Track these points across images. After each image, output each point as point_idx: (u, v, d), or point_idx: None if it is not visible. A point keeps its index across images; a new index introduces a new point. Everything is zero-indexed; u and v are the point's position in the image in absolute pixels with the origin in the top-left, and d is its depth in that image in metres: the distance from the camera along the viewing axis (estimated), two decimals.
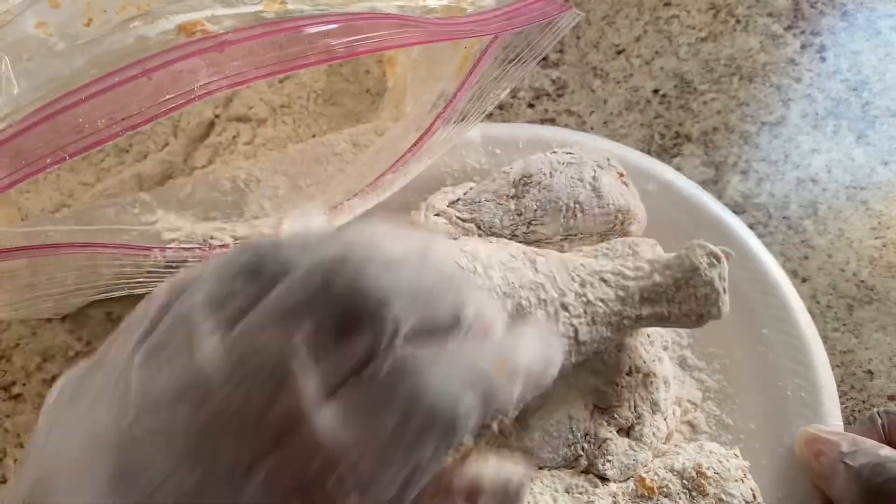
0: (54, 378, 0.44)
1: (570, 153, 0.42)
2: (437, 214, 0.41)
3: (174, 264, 0.32)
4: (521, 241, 0.40)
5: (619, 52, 0.56)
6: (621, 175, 0.42)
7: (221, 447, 0.19)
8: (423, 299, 0.20)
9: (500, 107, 0.53)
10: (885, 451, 0.34)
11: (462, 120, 0.39)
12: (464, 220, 0.41)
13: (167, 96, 0.26)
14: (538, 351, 0.23)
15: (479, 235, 0.40)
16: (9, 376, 0.44)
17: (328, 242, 0.21)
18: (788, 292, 0.42)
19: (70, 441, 0.20)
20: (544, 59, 0.55)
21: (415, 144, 0.37)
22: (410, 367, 0.20)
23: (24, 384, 0.44)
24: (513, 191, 0.41)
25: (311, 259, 0.20)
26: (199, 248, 0.33)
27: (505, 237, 0.40)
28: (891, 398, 0.43)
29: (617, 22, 0.57)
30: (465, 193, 0.42)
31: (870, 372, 0.44)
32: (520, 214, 0.40)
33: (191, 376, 0.19)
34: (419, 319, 0.20)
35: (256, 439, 0.19)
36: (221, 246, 0.34)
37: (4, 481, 0.42)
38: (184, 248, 0.33)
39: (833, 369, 0.40)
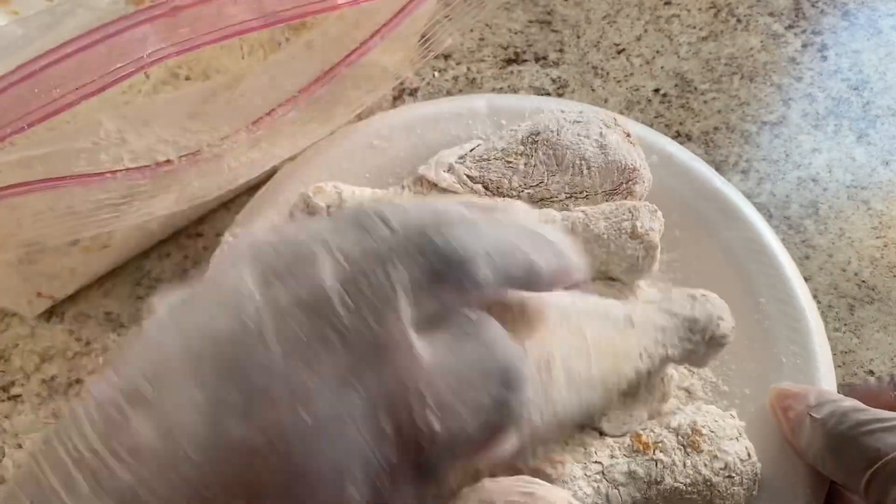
0: (53, 378, 0.44)
1: (579, 112, 0.43)
2: (447, 171, 0.42)
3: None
4: (527, 202, 0.41)
5: (619, 52, 0.56)
6: (627, 135, 0.42)
7: (332, 354, 0.21)
8: (499, 257, 0.24)
9: None
10: (848, 402, 0.34)
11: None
12: (472, 179, 0.41)
13: (118, 65, 0.27)
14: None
15: (486, 195, 0.41)
16: (7, 376, 0.44)
17: (421, 208, 0.25)
18: (785, 262, 0.42)
19: (179, 342, 0.22)
20: (544, 58, 0.55)
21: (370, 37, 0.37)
22: (485, 320, 0.24)
23: (22, 384, 0.44)
24: (521, 148, 0.41)
25: (409, 218, 0.24)
26: (147, 167, 0.34)
27: (511, 197, 0.41)
28: None
29: (617, 21, 0.57)
30: (471, 150, 0.43)
31: (871, 372, 0.44)
32: (527, 175, 0.41)
33: (312, 291, 0.22)
34: (497, 273, 0.24)
35: (362, 351, 0.21)
36: (166, 161, 0.35)
37: (3, 482, 0.42)
38: (133, 169, 0.33)
39: (834, 370, 0.40)
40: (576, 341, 0.33)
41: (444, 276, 0.23)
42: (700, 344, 0.36)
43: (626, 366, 0.34)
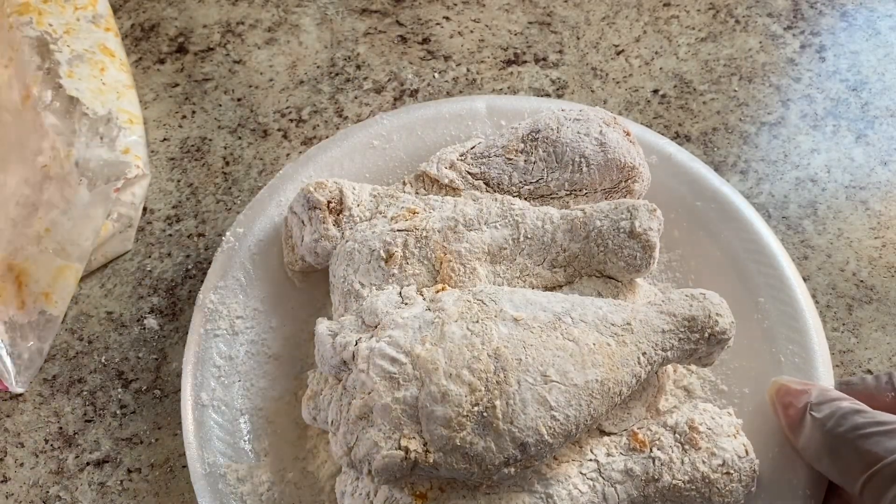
0: (55, 377, 0.44)
1: (579, 110, 0.43)
2: (449, 167, 0.42)
3: None
4: (526, 198, 0.41)
5: (618, 53, 0.56)
6: (627, 133, 0.42)
7: None
8: None
9: None
10: (849, 402, 0.35)
11: None
12: (473, 175, 0.42)
13: None
14: None
15: (487, 192, 0.41)
16: None
17: None
18: (784, 262, 0.42)
19: None
20: (544, 59, 0.56)
21: None
22: None
23: None
24: (521, 146, 0.42)
25: None
26: None
27: (512, 194, 0.41)
28: None
29: (617, 22, 0.57)
30: (472, 147, 0.43)
31: (869, 372, 0.44)
32: (527, 172, 0.41)
33: None
34: None
35: None
36: None
37: (5, 480, 0.42)
38: None
39: (833, 369, 0.40)
40: (575, 350, 0.34)
41: None
42: (700, 342, 0.36)
43: (626, 371, 0.34)
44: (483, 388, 0.32)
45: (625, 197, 0.41)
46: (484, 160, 0.42)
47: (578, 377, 0.33)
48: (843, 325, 0.46)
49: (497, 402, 0.32)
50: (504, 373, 0.32)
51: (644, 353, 0.35)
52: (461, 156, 0.42)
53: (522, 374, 0.32)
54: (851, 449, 0.33)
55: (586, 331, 0.34)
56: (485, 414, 0.32)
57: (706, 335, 0.36)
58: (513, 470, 0.32)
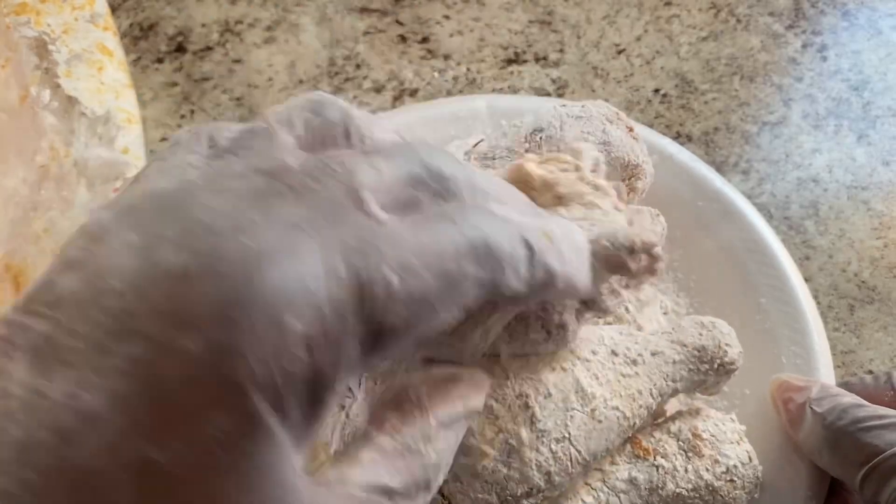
0: None
1: (581, 107, 0.42)
2: None
3: None
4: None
5: (619, 52, 0.56)
6: (630, 129, 0.42)
7: (286, 205, 0.19)
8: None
9: None
10: (849, 398, 0.35)
11: None
12: None
13: None
14: (576, 248, 0.25)
15: None
16: None
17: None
18: (785, 262, 0.42)
19: (114, 210, 0.20)
20: (544, 58, 0.55)
21: None
22: (477, 212, 0.21)
23: None
24: (526, 145, 0.41)
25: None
26: None
27: None
28: None
29: (617, 21, 0.57)
30: (474, 145, 0.43)
31: (871, 373, 0.44)
32: None
33: (271, 161, 0.20)
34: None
35: (320, 207, 0.19)
36: None
37: None
38: None
39: (834, 370, 0.40)
40: (594, 383, 0.33)
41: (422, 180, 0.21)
42: (709, 373, 0.35)
43: (638, 404, 0.34)
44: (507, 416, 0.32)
45: (628, 194, 0.41)
46: (488, 161, 0.42)
47: (602, 411, 0.33)
48: (845, 325, 0.46)
49: (521, 430, 0.32)
50: (526, 398, 0.32)
51: (655, 385, 0.34)
52: (465, 154, 0.42)
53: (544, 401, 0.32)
54: (852, 442, 0.33)
55: (603, 365, 0.34)
56: (510, 441, 0.32)
57: (715, 365, 0.35)
58: (533, 501, 0.32)
